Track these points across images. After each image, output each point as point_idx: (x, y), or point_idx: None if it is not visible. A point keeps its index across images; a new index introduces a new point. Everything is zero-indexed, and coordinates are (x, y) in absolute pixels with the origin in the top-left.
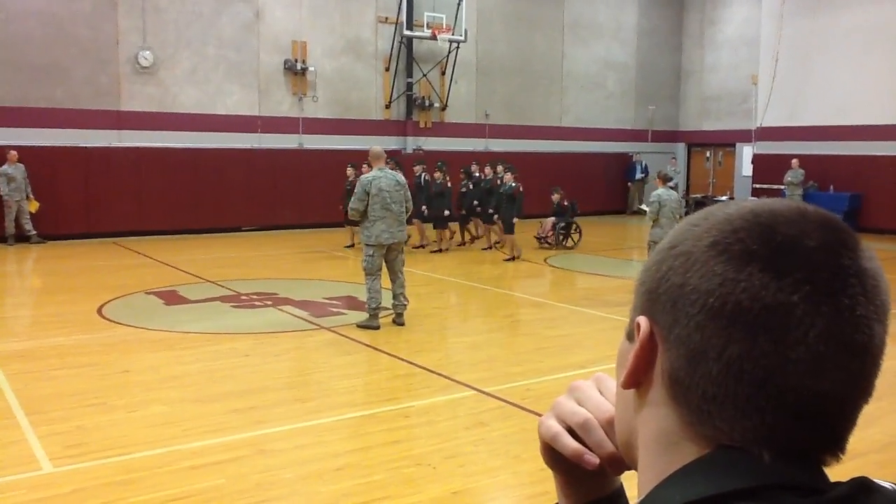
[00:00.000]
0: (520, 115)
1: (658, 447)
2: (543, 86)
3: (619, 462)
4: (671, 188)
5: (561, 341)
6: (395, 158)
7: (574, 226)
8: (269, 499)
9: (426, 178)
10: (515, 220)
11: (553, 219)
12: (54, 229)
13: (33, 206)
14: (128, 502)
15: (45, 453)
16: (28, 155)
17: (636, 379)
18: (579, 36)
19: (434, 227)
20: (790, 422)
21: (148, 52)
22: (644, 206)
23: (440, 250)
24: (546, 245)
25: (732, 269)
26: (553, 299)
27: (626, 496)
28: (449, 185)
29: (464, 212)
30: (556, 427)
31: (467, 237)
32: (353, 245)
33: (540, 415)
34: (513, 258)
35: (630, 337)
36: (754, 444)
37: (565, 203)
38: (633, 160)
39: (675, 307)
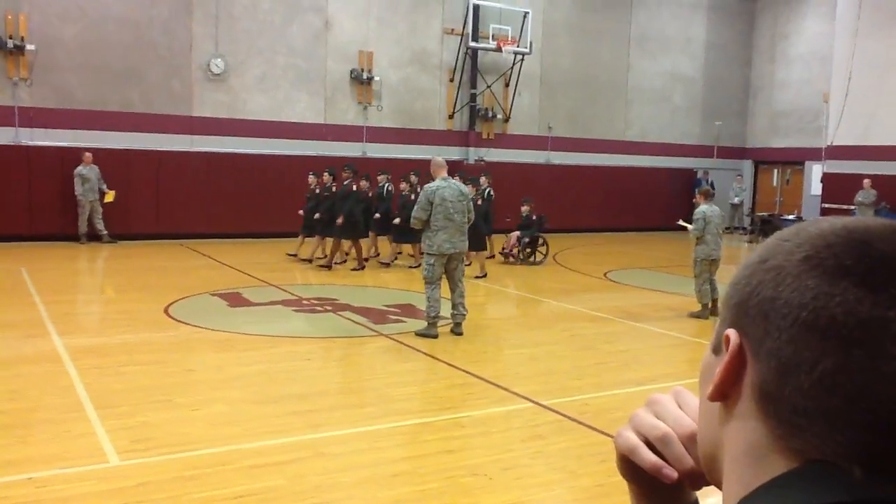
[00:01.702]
0: (583, 127)
1: (745, 460)
2: (608, 99)
3: (699, 477)
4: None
5: (620, 357)
6: (386, 171)
7: (540, 240)
8: (327, 501)
9: (389, 188)
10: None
11: (517, 233)
12: (125, 229)
13: (110, 196)
14: (191, 497)
15: (112, 447)
16: (103, 157)
17: (724, 391)
18: (646, 49)
19: (393, 241)
20: (883, 437)
21: (220, 60)
22: (683, 223)
23: (417, 265)
24: (511, 260)
25: (826, 284)
26: (612, 314)
27: None
28: (413, 196)
29: None
30: (634, 440)
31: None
32: (306, 258)
33: (598, 430)
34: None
35: (716, 350)
36: (845, 459)
37: (534, 217)
38: (699, 176)
39: (767, 320)
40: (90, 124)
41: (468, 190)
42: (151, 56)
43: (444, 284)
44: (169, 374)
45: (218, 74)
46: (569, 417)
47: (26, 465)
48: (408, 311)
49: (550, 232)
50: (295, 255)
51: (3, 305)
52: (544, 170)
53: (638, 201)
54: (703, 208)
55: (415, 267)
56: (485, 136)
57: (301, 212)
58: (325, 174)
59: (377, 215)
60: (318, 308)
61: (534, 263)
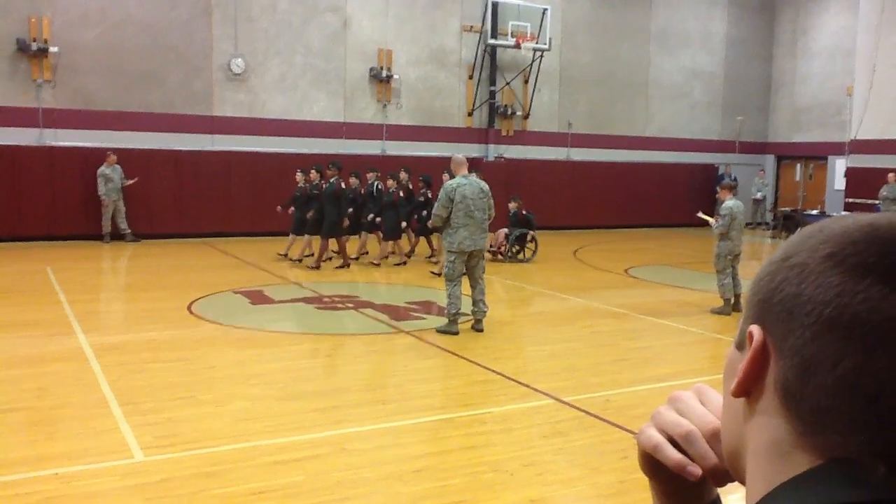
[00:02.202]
0: (603, 124)
1: (768, 457)
2: (628, 95)
3: (722, 474)
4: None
5: (641, 353)
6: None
7: (529, 237)
8: (349, 497)
9: (379, 185)
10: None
11: (505, 230)
12: (148, 228)
13: (132, 182)
14: (214, 493)
15: (136, 442)
16: (125, 157)
17: (747, 388)
18: (666, 45)
19: (383, 240)
20: None
21: (240, 60)
22: (704, 216)
23: (403, 262)
24: (499, 258)
25: (850, 281)
26: (633, 310)
27: None
28: (401, 194)
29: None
30: (657, 437)
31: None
32: (296, 258)
33: (620, 427)
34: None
35: (740, 346)
36: (869, 457)
37: (523, 213)
38: (721, 172)
39: (790, 317)
40: (112, 125)
41: (488, 187)
42: (171, 57)
43: (465, 281)
44: (192, 371)
45: (238, 74)
46: (590, 414)
47: (53, 460)
48: (429, 307)
49: (542, 229)
50: (285, 255)
51: (29, 304)
52: (564, 166)
53: (659, 197)
54: (729, 203)
55: (401, 264)
56: (504, 134)
57: (279, 208)
58: (312, 171)
59: (371, 216)
60: (340, 305)
61: (522, 261)
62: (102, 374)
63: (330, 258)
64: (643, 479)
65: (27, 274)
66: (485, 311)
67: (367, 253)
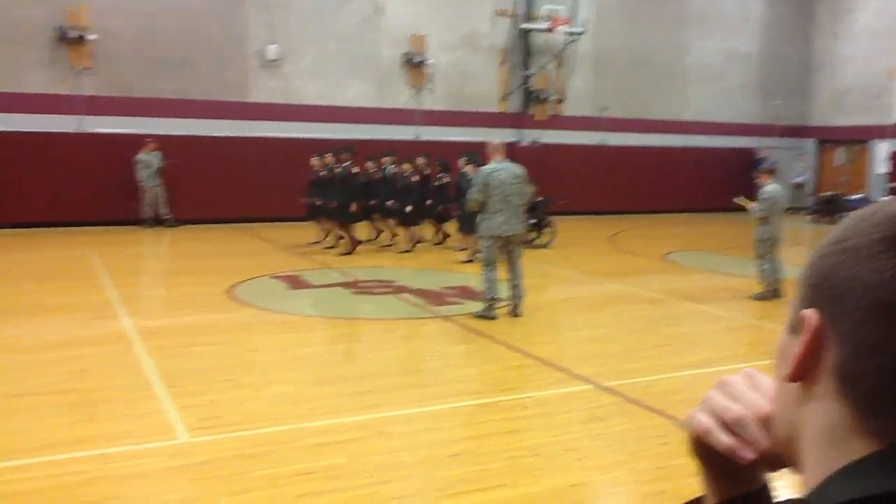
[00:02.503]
0: (638, 108)
1: (825, 442)
2: (663, 79)
3: (775, 458)
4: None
5: (680, 339)
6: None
7: (545, 222)
8: (388, 479)
9: (393, 170)
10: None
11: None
12: (187, 214)
13: (170, 163)
14: (257, 474)
15: (180, 424)
16: (163, 143)
17: (801, 372)
18: (702, 27)
19: (399, 225)
20: None
21: (274, 46)
22: (742, 201)
23: (408, 250)
24: None
25: None
26: (672, 296)
27: (770, 491)
28: (414, 178)
29: (440, 208)
30: (708, 422)
31: (440, 236)
32: (327, 246)
33: (659, 412)
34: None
35: (793, 330)
36: None
37: (539, 199)
38: (760, 155)
39: (843, 301)
40: (150, 112)
41: (523, 171)
42: (206, 45)
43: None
44: (233, 354)
45: (273, 61)
46: (629, 399)
47: (97, 441)
48: (466, 293)
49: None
50: (317, 243)
51: (74, 288)
52: (599, 151)
53: (696, 182)
54: (770, 188)
55: (407, 251)
56: (538, 118)
57: (304, 200)
58: (328, 155)
59: (378, 200)
60: (377, 290)
61: (539, 246)
62: (147, 357)
63: (333, 247)
64: (683, 466)
65: (71, 259)
66: (522, 296)
67: (376, 238)
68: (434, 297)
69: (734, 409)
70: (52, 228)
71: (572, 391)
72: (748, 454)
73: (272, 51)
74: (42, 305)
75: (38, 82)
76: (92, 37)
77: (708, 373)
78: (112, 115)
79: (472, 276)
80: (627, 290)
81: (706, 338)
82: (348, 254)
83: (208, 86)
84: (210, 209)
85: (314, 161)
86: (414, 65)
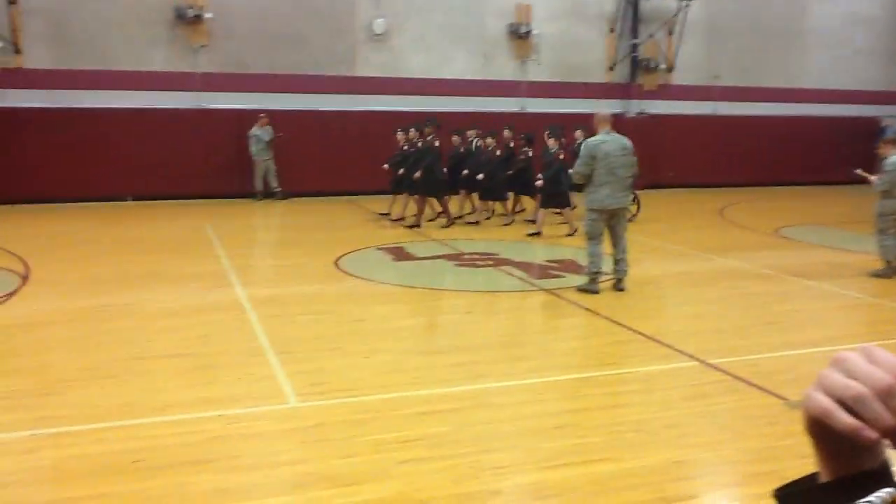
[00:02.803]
0: (753, 76)
1: None
2: (780, 44)
3: None
4: None
5: (792, 317)
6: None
7: (633, 196)
8: (490, 449)
9: (478, 143)
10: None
11: None
12: (296, 186)
13: (280, 136)
14: (362, 440)
15: (291, 389)
16: (274, 118)
17: None
18: None
19: (481, 198)
20: None
21: (381, 20)
22: (863, 172)
23: (477, 222)
24: None
25: None
26: (784, 272)
27: (891, 468)
28: (498, 152)
29: (521, 181)
30: (826, 402)
31: (516, 209)
32: (396, 217)
33: (768, 391)
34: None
35: None
36: None
37: None
38: (883, 125)
39: None
40: (262, 87)
41: (630, 143)
42: (316, 20)
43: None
44: (340, 323)
45: (380, 35)
46: (736, 377)
47: (217, 403)
48: (569, 266)
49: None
50: (387, 215)
51: (192, 258)
52: (711, 121)
53: (813, 153)
54: (894, 159)
55: (507, 224)
56: (647, 88)
57: (385, 166)
58: (412, 130)
59: (465, 172)
60: (480, 262)
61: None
62: (259, 324)
63: (434, 218)
64: (793, 446)
65: (188, 230)
66: (626, 271)
67: (473, 212)
68: (537, 271)
69: (853, 386)
70: (170, 201)
71: (676, 367)
72: (870, 433)
73: (379, 24)
74: (165, 274)
75: (157, 61)
76: (208, 15)
77: (820, 352)
78: (227, 91)
79: (575, 250)
80: (737, 265)
81: (819, 316)
82: (448, 226)
83: (318, 61)
84: (318, 182)
85: (398, 135)
86: (519, 35)
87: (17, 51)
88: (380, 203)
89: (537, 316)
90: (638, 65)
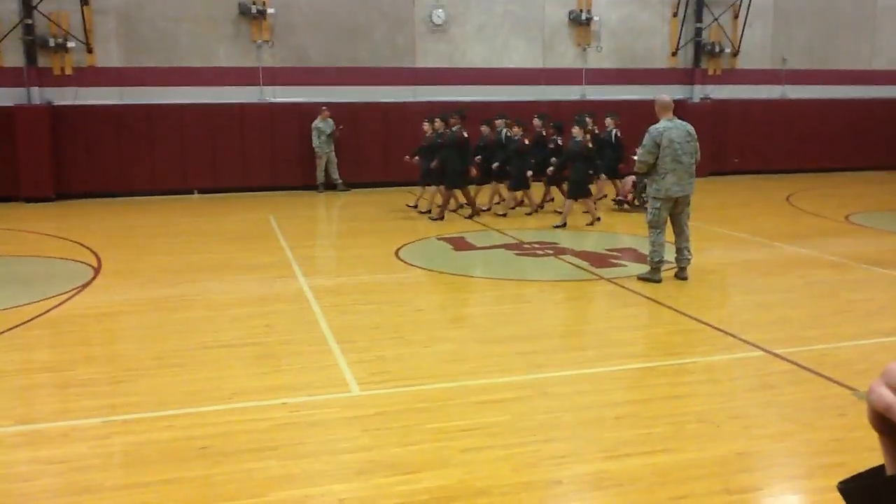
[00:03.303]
0: (822, 58)
1: None
2: (851, 25)
3: None
4: None
5: (864, 306)
6: (461, 112)
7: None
8: (550, 438)
9: (508, 133)
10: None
11: (633, 178)
12: (357, 177)
13: (340, 129)
14: (424, 428)
15: (353, 378)
16: (336, 110)
17: None
18: None
19: (510, 189)
20: None
21: (441, 11)
22: None
23: (505, 214)
24: (626, 207)
25: None
26: (855, 260)
27: None
28: (526, 141)
29: (550, 171)
30: (889, 397)
31: (545, 199)
32: (424, 209)
33: (838, 382)
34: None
35: None
36: None
37: None
38: None
39: None
40: (324, 80)
41: (694, 130)
42: (376, 12)
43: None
44: (400, 312)
45: (439, 25)
46: (804, 367)
47: (281, 391)
48: (630, 255)
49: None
50: (415, 207)
51: (257, 249)
52: (778, 105)
53: (886, 136)
54: None
55: (530, 213)
56: (711, 73)
57: (407, 158)
58: (437, 120)
59: (496, 164)
60: (539, 252)
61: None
62: (321, 314)
63: (459, 207)
64: (863, 439)
65: (253, 222)
66: (689, 259)
67: (500, 202)
68: (597, 260)
69: None
70: (236, 193)
71: (741, 357)
72: None
73: (439, 15)
74: (231, 264)
75: (222, 56)
76: (271, 11)
77: (892, 342)
78: (289, 84)
79: (637, 239)
80: (806, 253)
81: (891, 305)
82: (472, 217)
83: (379, 53)
84: (379, 173)
85: (425, 126)
86: (580, 23)
87: (90, 50)
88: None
89: (598, 305)
90: (702, 49)
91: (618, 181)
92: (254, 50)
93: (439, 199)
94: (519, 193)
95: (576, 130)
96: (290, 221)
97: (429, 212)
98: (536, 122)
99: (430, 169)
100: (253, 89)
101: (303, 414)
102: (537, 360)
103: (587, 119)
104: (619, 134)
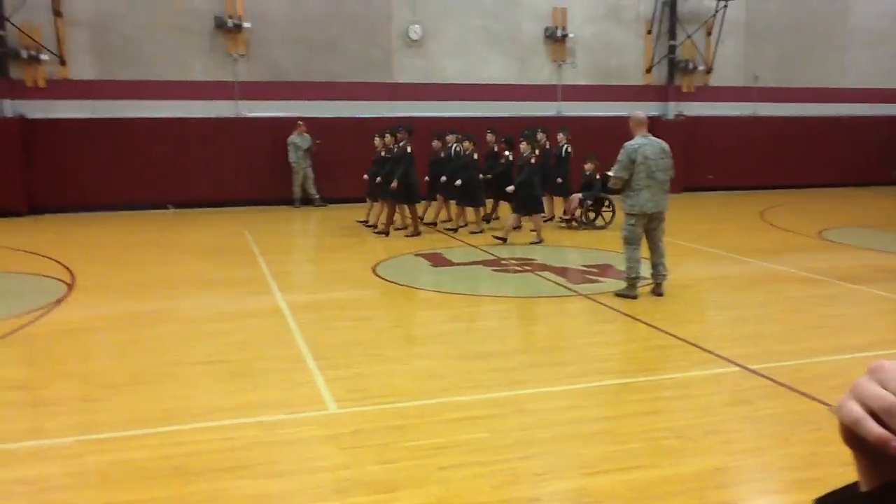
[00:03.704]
0: (793, 76)
1: None
2: (821, 44)
3: None
4: None
5: (836, 321)
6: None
7: (606, 202)
8: (529, 455)
9: (457, 149)
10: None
11: (579, 195)
12: (334, 193)
13: (317, 144)
14: (402, 445)
15: (330, 395)
16: (311, 125)
17: None
18: None
19: (458, 204)
20: None
21: (417, 26)
22: None
23: (455, 229)
24: (574, 225)
25: None
26: (827, 276)
27: None
28: (475, 156)
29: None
30: (857, 411)
31: (492, 214)
32: (372, 223)
33: (812, 397)
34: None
35: None
36: None
37: (598, 176)
38: None
39: None
40: (300, 95)
41: (668, 147)
42: (352, 26)
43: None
44: (378, 329)
45: (416, 40)
46: (779, 383)
47: (256, 409)
48: (606, 271)
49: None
50: (365, 222)
51: (232, 264)
52: (750, 123)
53: (856, 154)
54: None
55: (477, 232)
56: (685, 90)
57: (366, 176)
58: (387, 135)
59: (443, 179)
60: (517, 268)
61: (598, 227)
62: (297, 330)
63: (401, 227)
64: (838, 453)
65: (228, 236)
66: (665, 275)
67: (449, 220)
68: (574, 276)
69: (885, 397)
70: (211, 208)
71: (717, 373)
72: None
73: (415, 30)
74: (206, 280)
75: (197, 70)
76: (247, 24)
77: (865, 357)
78: (265, 99)
79: (613, 255)
80: (779, 268)
81: (865, 321)
82: (413, 236)
83: (355, 68)
84: (356, 188)
85: (375, 141)
86: (556, 39)
87: (63, 62)
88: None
89: (575, 321)
90: (676, 66)
91: (564, 198)
92: (229, 64)
93: (384, 216)
94: (468, 210)
95: (523, 146)
96: (266, 236)
97: (374, 226)
98: (489, 137)
99: (378, 184)
100: (228, 103)
101: (278, 432)
102: (515, 377)
103: (539, 134)
104: (569, 149)
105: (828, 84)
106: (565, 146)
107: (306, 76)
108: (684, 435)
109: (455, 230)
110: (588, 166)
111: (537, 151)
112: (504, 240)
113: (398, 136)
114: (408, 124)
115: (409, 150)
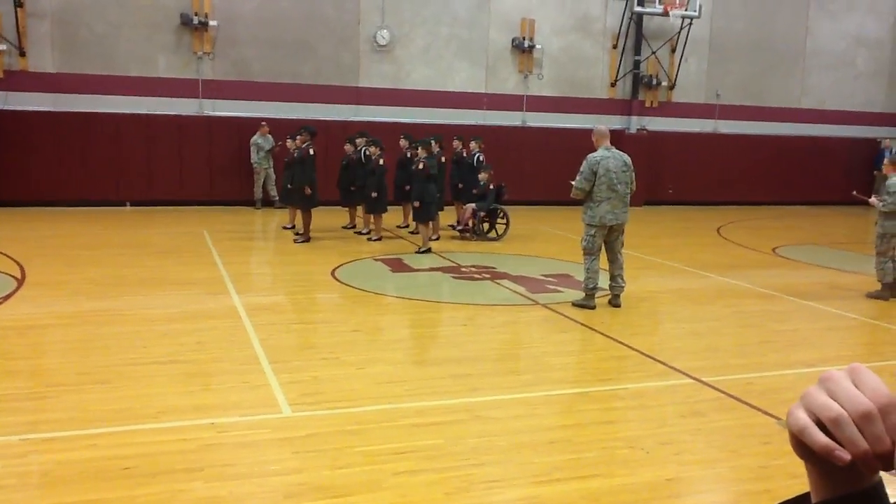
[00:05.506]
0: (754, 95)
1: None
2: (783, 65)
3: (872, 461)
4: None
5: (789, 336)
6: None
7: (500, 213)
8: (483, 462)
9: (367, 153)
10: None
11: (473, 205)
12: None
13: (278, 146)
14: (357, 450)
15: (285, 398)
16: (275, 127)
17: None
18: (828, 10)
19: (365, 212)
20: None
21: (386, 31)
22: (860, 195)
23: (369, 237)
24: (467, 235)
25: None
26: (781, 292)
27: (885, 491)
28: (381, 162)
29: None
30: (804, 420)
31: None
32: (354, 226)
33: (763, 411)
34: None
35: None
36: None
37: (491, 186)
38: (883, 147)
39: None
40: (266, 95)
41: (630, 160)
42: (322, 29)
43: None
44: (335, 333)
45: (384, 46)
46: (731, 396)
47: (210, 410)
48: (565, 281)
49: (514, 204)
50: (292, 227)
51: (190, 264)
52: (711, 139)
53: (813, 173)
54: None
55: (375, 240)
56: (648, 105)
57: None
58: (299, 137)
59: (352, 186)
60: (477, 276)
61: (491, 238)
62: (254, 333)
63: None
64: (787, 466)
65: (187, 236)
66: (622, 287)
67: (353, 226)
68: (533, 285)
69: (832, 407)
70: (171, 207)
71: (671, 384)
72: (843, 455)
73: (384, 36)
74: (163, 279)
75: (161, 67)
76: (213, 23)
77: (815, 372)
78: (230, 98)
79: (573, 265)
80: (734, 284)
81: (815, 336)
82: (304, 241)
83: (322, 71)
84: (319, 191)
85: (288, 143)
86: (523, 49)
87: (22, 53)
88: None
89: (533, 330)
90: (640, 81)
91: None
92: (194, 61)
93: (299, 221)
94: (374, 217)
95: (420, 152)
96: (225, 237)
97: (293, 228)
98: (402, 142)
99: (289, 188)
100: (192, 101)
101: (232, 434)
102: (471, 384)
103: (432, 141)
104: (481, 158)
105: (788, 104)
106: (478, 154)
107: (272, 77)
108: (638, 445)
109: (367, 234)
110: (482, 176)
111: (443, 159)
112: (428, 250)
113: (300, 138)
114: (311, 126)
115: (311, 152)
